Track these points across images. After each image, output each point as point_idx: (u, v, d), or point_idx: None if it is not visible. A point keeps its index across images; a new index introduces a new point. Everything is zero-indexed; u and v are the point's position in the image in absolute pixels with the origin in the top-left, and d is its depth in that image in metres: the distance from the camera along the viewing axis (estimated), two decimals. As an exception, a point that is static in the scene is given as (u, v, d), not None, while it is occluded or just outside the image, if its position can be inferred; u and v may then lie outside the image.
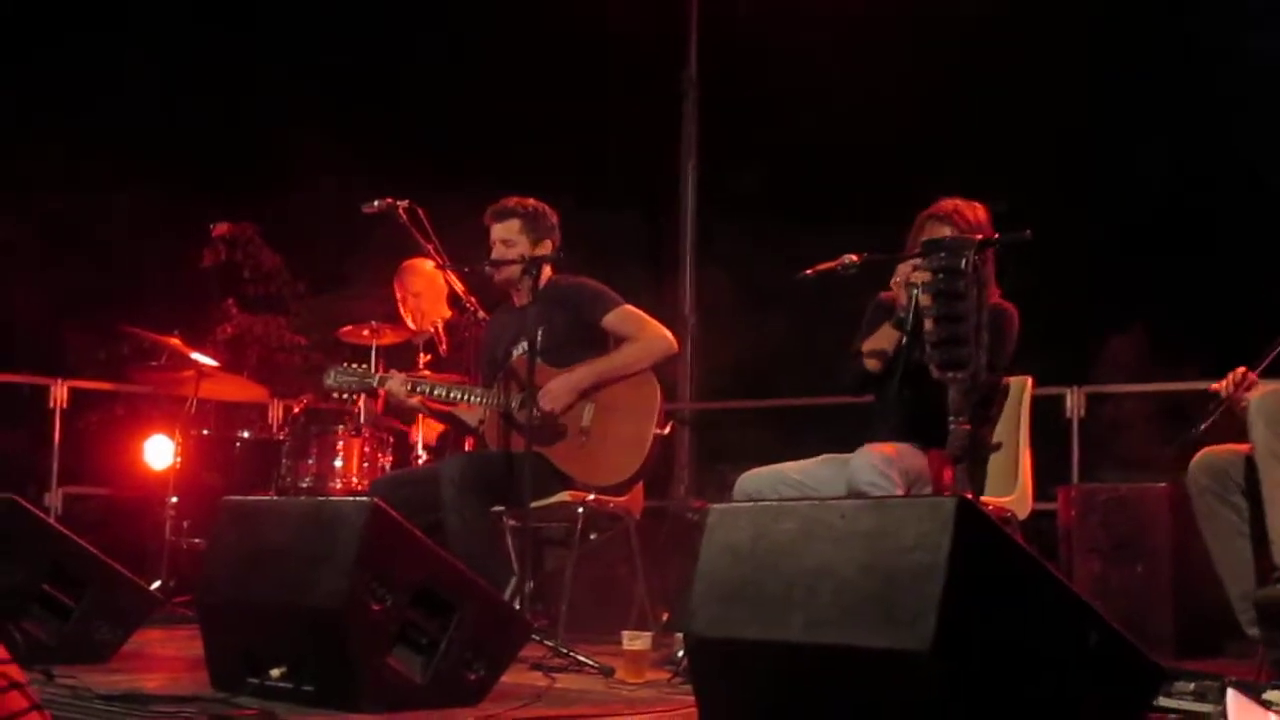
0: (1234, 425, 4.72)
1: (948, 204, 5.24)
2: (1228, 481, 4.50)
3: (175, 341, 7.96)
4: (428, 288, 7.26)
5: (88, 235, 13.74)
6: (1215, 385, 4.66)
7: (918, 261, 4.98)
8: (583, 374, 5.92)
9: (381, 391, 6.20)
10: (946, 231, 5.15)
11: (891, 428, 5.09)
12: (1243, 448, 4.53)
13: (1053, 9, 15.28)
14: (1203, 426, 4.62)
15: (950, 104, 15.09)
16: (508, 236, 6.10)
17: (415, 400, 6.10)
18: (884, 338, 5.15)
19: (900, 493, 4.75)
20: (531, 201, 6.16)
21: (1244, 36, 17.37)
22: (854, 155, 14.96)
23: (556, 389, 5.87)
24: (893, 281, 5.20)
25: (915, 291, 5.02)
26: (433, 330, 7.31)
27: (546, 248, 6.07)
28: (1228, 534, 4.52)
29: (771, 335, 14.71)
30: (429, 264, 6.69)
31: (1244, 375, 4.60)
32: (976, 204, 5.25)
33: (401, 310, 7.44)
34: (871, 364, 5.18)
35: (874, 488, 4.73)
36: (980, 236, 4.51)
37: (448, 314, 7.22)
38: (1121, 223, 15.27)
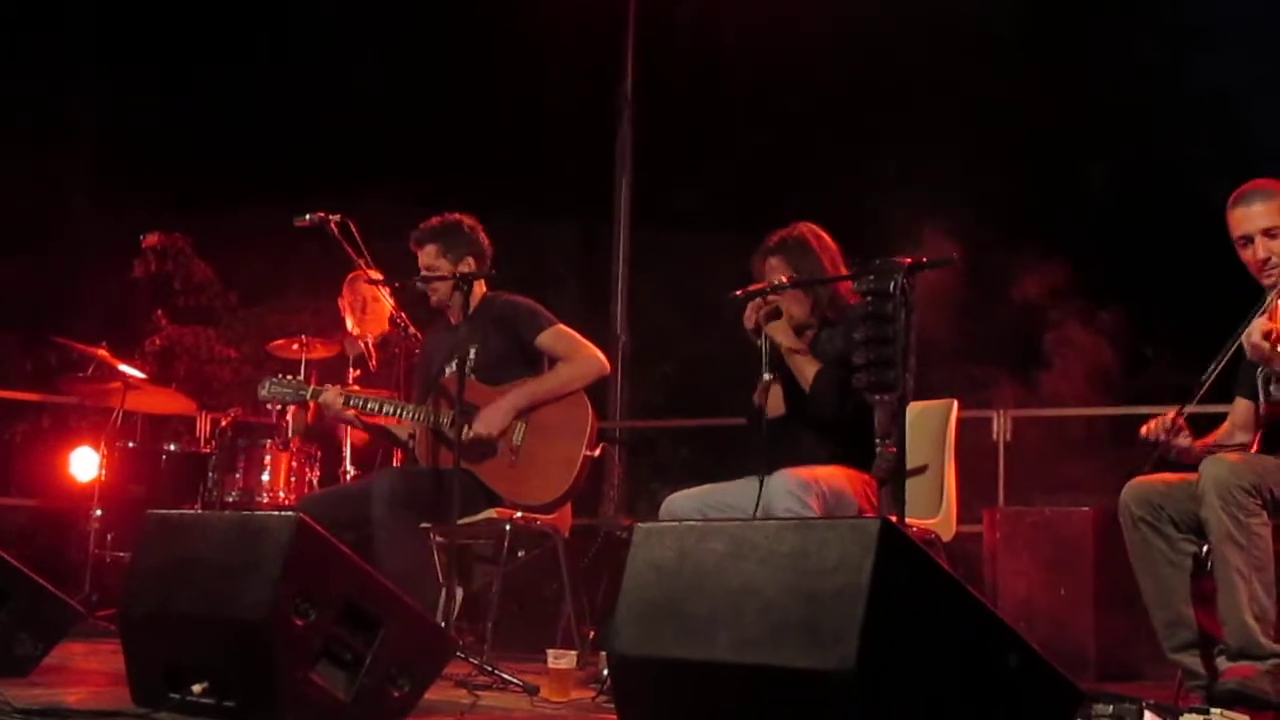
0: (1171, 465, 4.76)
1: (773, 238, 5.32)
2: (1160, 513, 4.53)
3: (103, 353, 7.90)
4: (381, 299, 7.22)
5: (16, 243, 13.61)
6: (1145, 429, 4.68)
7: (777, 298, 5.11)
8: (516, 396, 5.91)
9: (313, 404, 6.18)
10: (781, 264, 5.21)
11: (806, 453, 5.10)
12: (1173, 478, 4.57)
13: (997, 26, 15.42)
14: (1144, 471, 4.64)
15: (890, 122, 15.20)
16: (428, 263, 6.09)
17: (350, 413, 6.09)
18: (760, 389, 5.15)
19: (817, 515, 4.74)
20: (454, 217, 6.14)
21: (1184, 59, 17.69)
22: (792, 171, 15.03)
23: (492, 415, 5.84)
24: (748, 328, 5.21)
25: (763, 336, 5.08)
26: (363, 345, 7.30)
27: (470, 263, 6.05)
28: (1158, 563, 4.55)
29: (704, 354, 14.74)
30: (376, 275, 6.68)
31: (1174, 420, 4.63)
32: (799, 226, 5.33)
33: (347, 318, 7.41)
34: (772, 410, 5.20)
35: (790, 514, 4.71)
36: (909, 260, 4.52)
37: (386, 328, 7.22)
38: (1058, 248, 15.40)
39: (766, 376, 5.06)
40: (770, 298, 5.13)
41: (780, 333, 5.13)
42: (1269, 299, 4.50)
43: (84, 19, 15.70)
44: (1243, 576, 4.28)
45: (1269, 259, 4.58)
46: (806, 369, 5.12)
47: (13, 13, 14.80)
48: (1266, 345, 4.33)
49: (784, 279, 5.17)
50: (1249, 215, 4.61)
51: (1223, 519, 4.30)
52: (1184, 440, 4.65)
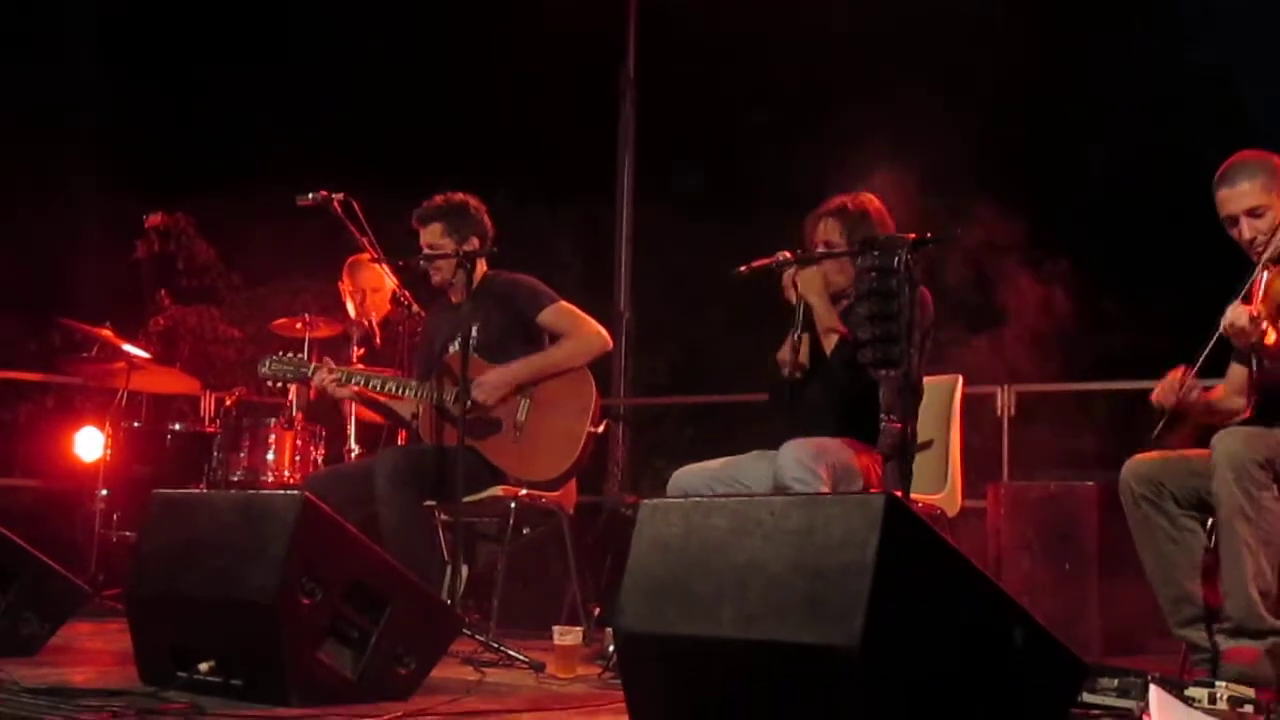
0: (1186, 424, 4.74)
1: (835, 201, 5.28)
2: (1161, 490, 4.52)
3: (107, 333, 7.90)
4: (383, 284, 7.20)
5: (19, 224, 13.62)
6: (1155, 395, 4.65)
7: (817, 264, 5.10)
8: (518, 369, 5.93)
9: (314, 381, 6.18)
10: (837, 228, 5.20)
11: (815, 423, 5.10)
12: (1172, 454, 4.56)
13: (994, 7, 15.39)
14: (1155, 434, 4.62)
15: (889, 101, 15.16)
16: (433, 241, 6.09)
17: (345, 391, 6.09)
18: (789, 345, 5.16)
19: (826, 488, 4.74)
20: (458, 196, 6.15)
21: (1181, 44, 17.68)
22: (793, 149, 15.01)
23: (491, 381, 5.87)
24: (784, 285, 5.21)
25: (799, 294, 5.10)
26: (367, 324, 7.29)
27: (474, 243, 6.06)
28: (1159, 540, 4.54)
29: (708, 331, 14.75)
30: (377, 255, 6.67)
31: (1182, 376, 4.61)
32: (863, 195, 5.31)
33: (347, 303, 7.40)
34: (789, 371, 5.19)
35: (799, 483, 4.71)
36: (913, 236, 4.50)
37: (389, 310, 7.21)
38: (1056, 220, 15.41)
39: (795, 336, 5.07)
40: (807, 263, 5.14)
41: (814, 293, 5.12)
42: (1250, 279, 4.48)
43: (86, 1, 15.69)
44: (1250, 550, 4.27)
45: (1255, 238, 4.55)
46: (830, 338, 5.10)
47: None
48: (1250, 328, 4.31)
49: (787, 255, 5.16)
50: (1233, 196, 4.55)
51: (1234, 492, 4.28)
52: (1195, 395, 4.64)
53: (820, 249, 5.22)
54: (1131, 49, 17.25)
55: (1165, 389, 4.62)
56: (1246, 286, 4.46)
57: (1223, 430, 4.44)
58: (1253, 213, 4.53)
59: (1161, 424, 4.59)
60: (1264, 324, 4.32)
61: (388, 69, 15.67)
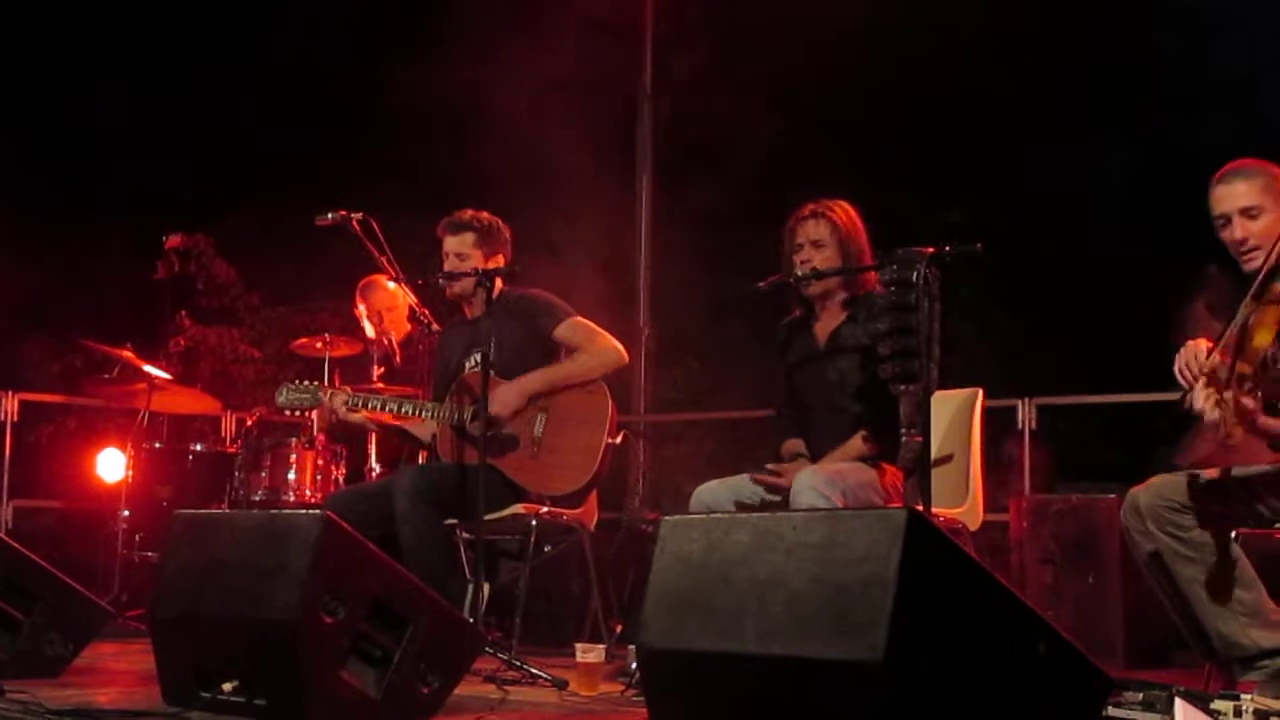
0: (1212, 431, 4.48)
1: (820, 204, 5.28)
2: (1175, 517, 4.45)
3: (128, 354, 7.93)
4: (396, 302, 7.24)
5: (40, 247, 13.66)
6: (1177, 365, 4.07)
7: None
8: (531, 379, 5.96)
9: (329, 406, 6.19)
10: (824, 230, 5.19)
11: (833, 441, 5.12)
12: (1170, 476, 4.46)
13: (1012, 17, 15.37)
14: (1183, 451, 4.52)
15: (908, 115, 15.16)
16: (461, 250, 6.12)
17: (357, 417, 6.11)
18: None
19: None
20: (486, 215, 6.19)
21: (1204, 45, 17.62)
22: (811, 163, 15.00)
23: (505, 393, 5.89)
24: None
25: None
26: (387, 343, 7.30)
27: (499, 261, 6.10)
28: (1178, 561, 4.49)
29: (727, 346, 14.73)
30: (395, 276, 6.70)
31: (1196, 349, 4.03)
32: (841, 201, 5.31)
33: (365, 325, 7.42)
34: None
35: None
36: (932, 249, 4.47)
37: (408, 328, 7.22)
38: (1071, 233, 15.37)
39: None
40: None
41: None
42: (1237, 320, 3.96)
43: (109, 16, 15.73)
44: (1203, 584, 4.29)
45: (1245, 240, 4.42)
46: None
47: (37, 11, 14.84)
48: (1212, 412, 3.85)
49: (816, 255, 5.16)
50: (1229, 194, 4.44)
51: (1162, 537, 4.31)
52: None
53: (807, 247, 5.21)
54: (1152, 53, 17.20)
55: (1188, 359, 4.03)
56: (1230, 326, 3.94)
57: (1132, 489, 4.41)
58: (1246, 212, 4.42)
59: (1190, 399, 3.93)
60: (1229, 404, 3.83)
61: (400, 84, 15.69)
